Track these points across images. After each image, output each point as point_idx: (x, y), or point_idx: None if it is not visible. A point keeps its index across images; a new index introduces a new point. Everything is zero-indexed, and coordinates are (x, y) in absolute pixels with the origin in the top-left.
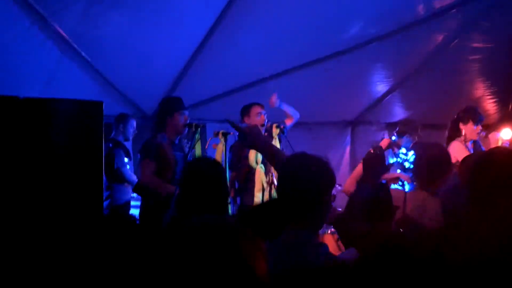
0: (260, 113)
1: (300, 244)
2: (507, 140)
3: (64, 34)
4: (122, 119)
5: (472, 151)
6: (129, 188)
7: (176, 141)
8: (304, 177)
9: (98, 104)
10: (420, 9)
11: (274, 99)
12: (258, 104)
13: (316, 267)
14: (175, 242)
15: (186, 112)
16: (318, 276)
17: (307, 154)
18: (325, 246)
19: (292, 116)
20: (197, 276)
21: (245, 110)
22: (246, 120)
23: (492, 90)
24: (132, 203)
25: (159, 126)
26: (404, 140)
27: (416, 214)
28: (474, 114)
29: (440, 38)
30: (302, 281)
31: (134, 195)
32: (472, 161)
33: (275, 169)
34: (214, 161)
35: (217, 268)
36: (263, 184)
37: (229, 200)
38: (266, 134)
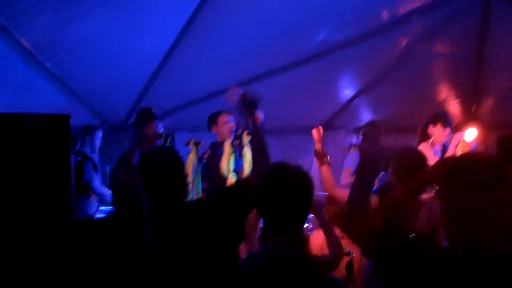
0: (228, 121)
1: (282, 256)
2: (470, 142)
3: (27, 45)
4: (88, 131)
5: (439, 154)
6: (94, 202)
7: None
8: (286, 190)
9: (65, 118)
10: (384, 15)
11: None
12: (225, 111)
13: (296, 281)
14: None
15: (156, 122)
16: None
17: (286, 165)
18: (307, 260)
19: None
20: None
21: (213, 119)
22: (214, 129)
23: (455, 92)
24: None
25: (132, 138)
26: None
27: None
28: (443, 117)
29: (404, 43)
30: None
31: (104, 207)
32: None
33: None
34: (171, 150)
35: None
36: None
37: None
38: (237, 141)
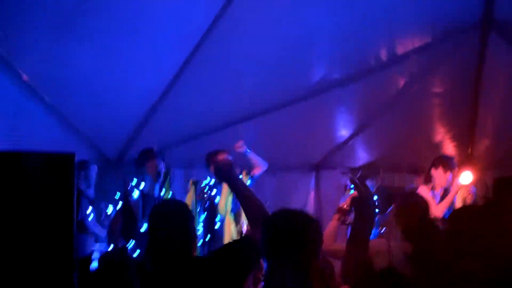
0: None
1: None
2: (467, 185)
3: (27, 79)
4: (83, 166)
5: (438, 198)
6: (92, 239)
7: (156, 194)
8: (291, 238)
9: (70, 157)
10: (382, 54)
11: (240, 145)
12: (223, 151)
13: None
14: None
15: (157, 160)
16: None
17: (291, 211)
18: None
19: (259, 166)
20: None
21: (211, 157)
22: (212, 168)
23: (452, 134)
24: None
25: (135, 175)
26: (368, 183)
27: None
28: (445, 161)
29: (401, 82)
30: None
31: (99, 246)
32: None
33: (246, 212)
34: (181, 203)
35: None
36: (232, 233)
37: (198, 247)
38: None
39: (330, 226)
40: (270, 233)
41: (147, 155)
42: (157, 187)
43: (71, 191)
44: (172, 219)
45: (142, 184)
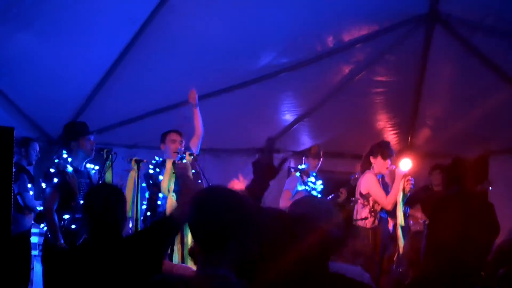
0: (175, 140)
1: (218, 282)
2: (408, 173)
3: None
4: (25, 143)
5: (380, 184)
6: (30, 216)
7: (82, 168)
8: (211, 213)
9: (9, 130)
10: (329, 41)
11: (194, 95)
12: (175, 131)
13: None
14: None
15: (92, 137)
16: None
17: (217, 188)
18: (245, 283)
19: (200, 129)
20: None
21: (163, 136)
22: (162, 146)
23: (393, 122)
24: (33, 230)
25: (63, 152)
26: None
27: None
28: (384, 148)
29: (347, 70)
30: None
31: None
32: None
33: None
34: (114, 188)
35: None
36: None
37: (140, 223)
38: (179, 161)
39: None
40: (193, 208)
41: (81, 130)
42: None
43: (9, 163)
44: (104, 202)
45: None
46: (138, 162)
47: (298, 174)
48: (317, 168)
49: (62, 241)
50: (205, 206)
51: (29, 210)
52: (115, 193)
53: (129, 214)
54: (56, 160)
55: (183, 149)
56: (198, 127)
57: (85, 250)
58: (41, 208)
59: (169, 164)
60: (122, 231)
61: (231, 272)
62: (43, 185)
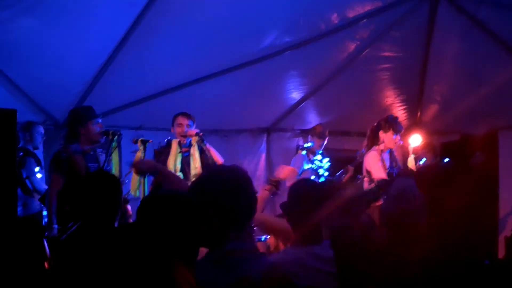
0: (181, 124)
1: (240, 257)
2: (416, 148)
3: None
4: (29, 127)
5: (388, 161)
6: (37, 200)
7: (92, 152)
8: (218, 191)
9: (12, 112)
10: (334, 18)
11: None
12: (182, 114)
13: (259, 280)
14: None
15: (100, 120)
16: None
17: (220, 166)
18: (264, 257)
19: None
20: None
21: (172, 120)
22: (172, 129)
23: (401, 98)
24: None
25: (70, 137)
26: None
27: None
28: (395, 123)
29: (352, 47)
30: None
31: None
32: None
33: None
34: (111, 176)
35: None
36: None
37: None
38: (184, 142)
39: (260, 197)
40: (200, 189)
41: (88, 114)
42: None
43: (13, 146)
44: (99, 189)
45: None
46: (144, 142)
47: (304, 152)
48: (322, 147)
49: (56, 226)
50: (238, 189)
51: (38, 193)
52: (109, 182)
53: (136, 194)
54: (64, 145)
55: (187, 130)
56: (218, 160)
57: (75, 239)
58: None
59: (174, 144)
60: (114, 221)
61: (254, 243)
62: (51, 169)
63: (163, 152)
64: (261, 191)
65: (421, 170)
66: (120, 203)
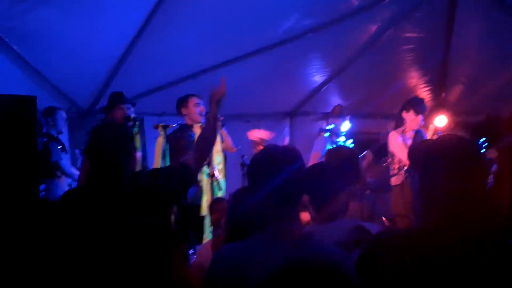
0: (199, 103)
1: (291, 240)
2: (441, 128)
3: None
4: (50, 112)
5: (409, 141)
6: (65, 182)
7: None
8: (279, 172)
9: (31, 99)
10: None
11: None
12: (194, 95)
13: (314, 260)
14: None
15: (127, 106)
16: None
17: (276, 146)
18: (312, 236)
19: (233, 150)
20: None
21: (182, 102)
22: (184, 111)
23: (425, 79)
24: None
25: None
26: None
27: None
28: (416, 104)
29: (374, 28)
30: (305, 276)
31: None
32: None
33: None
34: (121, 125)
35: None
36: (204, 176)
37: None
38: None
39: None
40: (257, 171)
41: (115, 99)
42: None
43: (33, 132)
44: (105, 140)
45: None
46: (164, 127)
47: (327, 134)
48: (345, 127)
49: None
50: (272, 170)
51: (67, 176)
52: (118, 131)
53: None
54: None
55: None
56: (231, 147)
57: (83, 195)
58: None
59: (198, 129)
60: (124, 171)
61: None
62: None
63: (182, 136)
64: None
65: None
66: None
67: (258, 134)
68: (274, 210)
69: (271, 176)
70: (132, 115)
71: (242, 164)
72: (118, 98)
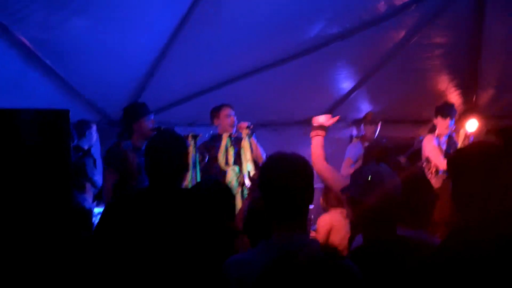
0: (230, 114)
1: (296, 246)
2: (472, 133)
3: (26, 43)
4: (85, 125)
5: (444, 146)
6: (90, 195)
7: (143, 147)
8: (287, 179)
9: (65, 113)
10: (381, 6)
11: (244, 125)
12: (227, 105)
13: (316, 267)
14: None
15: (152, 116)
16: (320, 275)
17: (285, 154)
18: (317, 243)
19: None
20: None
21: (215, 112)
22: (216, 121)
23: (455, 83)
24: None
25: (123, 133)
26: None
27: None
28: (442, 109)
29: (401, 34)
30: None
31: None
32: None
33: None
34: (178, 136)
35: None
36: (233, 185)
37: None
38: (235, 135)
39: (313, 143)
40: (267, 178)
41: (140, 111)
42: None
43: (67, 145)
44: (165, 146)
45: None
46: (194, 137)
47: (358, 141)
48: (376, 134)
49: None
50: (283, 178)
51: (96, 189)
52: (178, 140)
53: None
54: (116, 142)
55: (237, 122)
56: (260, 156)
57: (141, 196)
58: None
59: (225, 138)
60: (181, 181)
61: (305, 234)
62: (104, 164)
63: (212, 147)
64: (314, 139)
65: None
66: (187, 165)
67: (319, 120)
68: (277, 219)
69: (274, 185)
70: (155, 125)
71: None
72: (144, 109)
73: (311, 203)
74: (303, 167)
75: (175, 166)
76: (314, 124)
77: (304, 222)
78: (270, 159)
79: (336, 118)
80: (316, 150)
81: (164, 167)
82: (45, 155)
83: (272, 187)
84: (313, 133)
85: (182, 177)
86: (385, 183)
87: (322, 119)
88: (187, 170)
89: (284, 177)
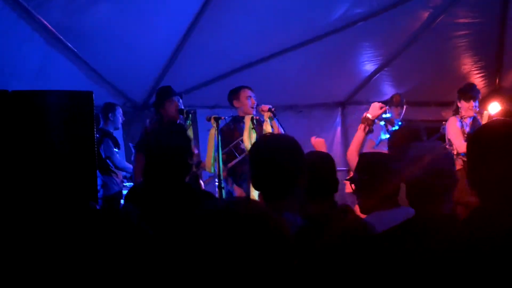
0: (250, 96)
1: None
2: (495, 115)
3: (50, 27)
4: (111, 108)
5: (467, 128)
6: (119, 178)
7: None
8: (274, 159)
9: (88, 94)
10: None
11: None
12: (247, 87)
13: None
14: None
15: (176, 98)
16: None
17: (275, 135)
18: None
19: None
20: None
21: (234, 94)
22: (236, 103)
23: (479, 65)
24: (124, 191)
25: (153, 118)
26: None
27: None
28: (464, 91)
29: (426, 15)
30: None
31: (127, 184)
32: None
33: None
34: (181, 128)
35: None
36: None
37: (222, 180)
38: (257, 117)
39: (356, 138)
40: (255, 157)
41: (165, 93)
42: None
43: (91, 127)
44: (164, 140)
45: None
46: (217, 119)
47: (382, 123)
48: (401, 117)
49: None
50: (268, 158)
51: (121, 171)
52: (178, 132)
53: (212, 170)
54: (146, 126)
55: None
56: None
57: (143, 192)
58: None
59: (248, 121)
60: (185, 176)
61: (296, 215)
62: (136, 149)
63: (235, 129)
64: (357, 132)
65: None
66: (191, 156)
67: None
68: (266, 199)
69: (262, 164)
70: (181, 107)
71: None
72: (168, 92)
73: (304, 186)
74: (292, 147)
75: (176, 160)
76: (367, 116)
77: (294, 202)
78: (261, 138)
79: (384, 108)
80: (355, 140)
81: (163, 162)
82: (70, 135)
83: (259, 164)
84: (361, 126)
85: (184, 172)
86: (440, 160)
87: (375, 110)
88: (188, 165)
89: (271, 154)
